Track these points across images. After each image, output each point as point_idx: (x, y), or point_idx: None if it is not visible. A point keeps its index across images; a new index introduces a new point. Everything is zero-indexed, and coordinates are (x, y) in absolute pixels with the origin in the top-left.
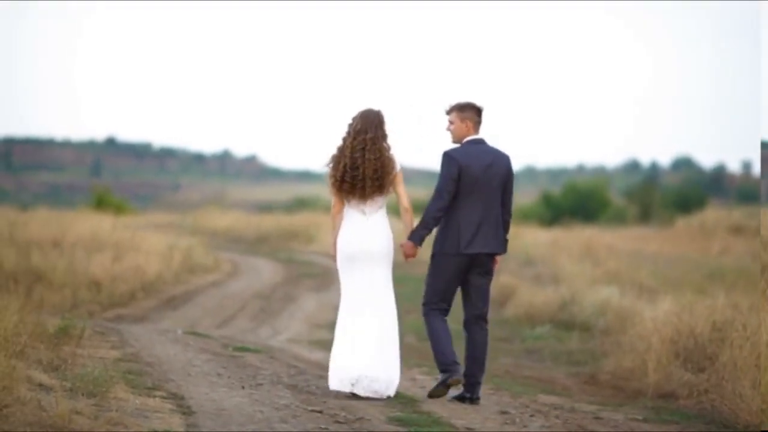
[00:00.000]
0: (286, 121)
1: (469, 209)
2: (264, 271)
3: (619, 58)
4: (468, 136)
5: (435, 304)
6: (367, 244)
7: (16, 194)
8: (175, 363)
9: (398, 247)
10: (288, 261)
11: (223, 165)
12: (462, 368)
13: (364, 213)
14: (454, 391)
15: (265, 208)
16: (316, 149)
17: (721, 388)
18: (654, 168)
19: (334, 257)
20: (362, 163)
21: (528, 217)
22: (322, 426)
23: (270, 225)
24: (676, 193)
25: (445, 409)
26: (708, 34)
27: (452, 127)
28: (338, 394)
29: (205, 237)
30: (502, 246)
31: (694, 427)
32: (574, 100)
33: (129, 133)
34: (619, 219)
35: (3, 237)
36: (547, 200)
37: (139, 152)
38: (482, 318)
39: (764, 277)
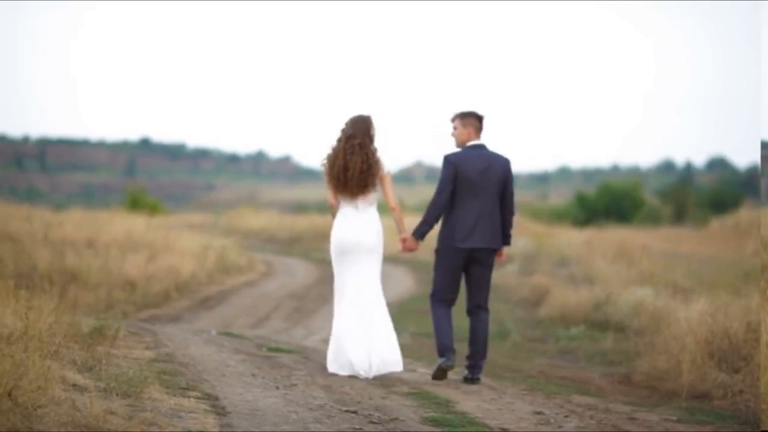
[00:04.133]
0: (320, 122)
1: (466, 208)
2: (298, 272)
3: (656, 58)
4: (469, 141)
5: (440, 294)
6: (358, 236)
7: (51, 194)
8: (210, 363)
9: (396, 241)
10: (322, 261)
11: (257, 165)
12: (454, 357)
13: (357, 208)
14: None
15: (299, 208)
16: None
17: (756, 388)
18: (688, 168)
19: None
20: (352, 164)
21: (562, 217)
22: (357, 426)
23: (304, 225)
24: (711, 193)
25: (479, 409)
26: (746, 34)
27: (455, 132)
28: (372, 395)
29: (239, 237)
30: (500, 241)
31: (729, 427)
32: (609, 99)
33: (163, 133)
34: (654, 219)
35: (38, 237)
36: (582, 200)
37: (173, 153)
38: (482, 307)
39: (764, 277)
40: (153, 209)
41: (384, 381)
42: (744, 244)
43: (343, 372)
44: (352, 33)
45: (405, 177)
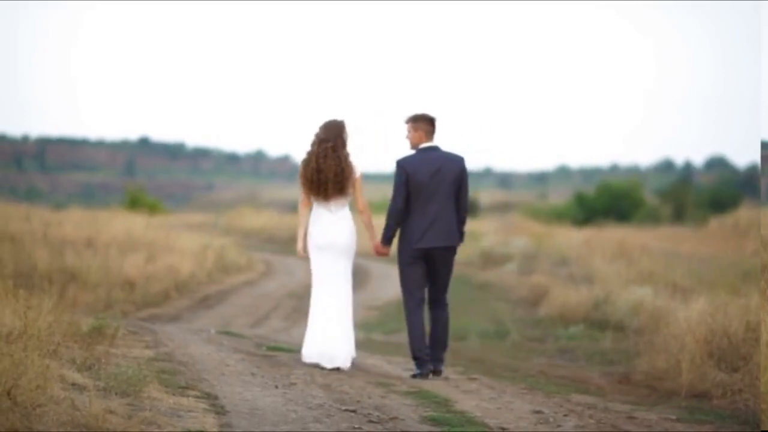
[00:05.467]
0: (319, 121)
1: (421, 209)
2: (297, 271)
3: (656, 58)
4: (421, 144)
5: (410, 294)
6: (333, 237)
7: (50, 194)
8: (209, 362)
9: (369, 244)
10: None
11: (257, 165)
12: (429, 367)
13: (330, 210)
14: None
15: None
16: (348, 149)
17: (755, 388)
18: (688, 167)
19: (300, 250)
20: (325, 168)
21: (561, 216)
22: (356, 426)
23: None
24: (710, 192)
25: (478, 408)
26: (746, 34)
27: (408, 135)
28: (371, 394)
29: (238, 237)
30: (456, 239)
31: (728, 427)
32: (608, 99)
33: (162, 133)
34: (653, 219)
35: (37, 237)
36: (581, 200)
37: (173, 152)
38: (441, 301)
39: (764, 276)
40: (152, 209)
41: (383, 380)
42: (743, 243)
43: (309, 360)
44: (351, 32)
45: None
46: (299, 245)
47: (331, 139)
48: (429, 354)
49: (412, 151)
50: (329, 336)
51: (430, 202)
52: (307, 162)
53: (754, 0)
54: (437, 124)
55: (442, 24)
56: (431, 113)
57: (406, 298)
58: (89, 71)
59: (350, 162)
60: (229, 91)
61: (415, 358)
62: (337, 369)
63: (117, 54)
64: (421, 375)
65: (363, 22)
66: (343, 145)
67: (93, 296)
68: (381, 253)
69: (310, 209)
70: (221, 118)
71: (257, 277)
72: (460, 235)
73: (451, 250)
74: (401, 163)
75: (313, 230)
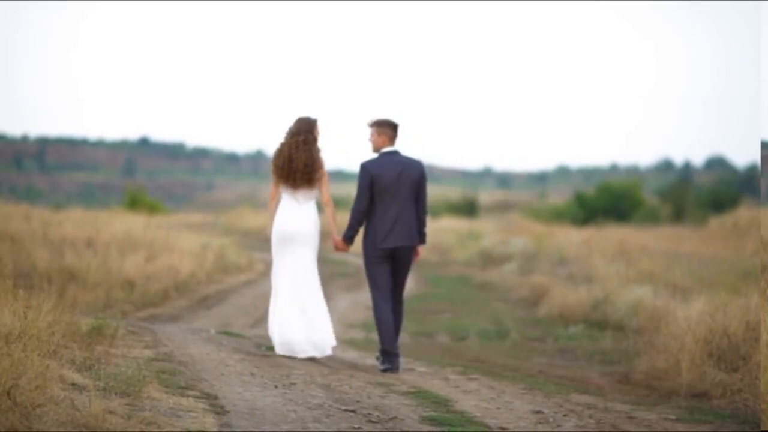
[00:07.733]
0: (319, 121)
1: (384, 211)
2: None
3: (656, 58)
4: (384, 147)
5: (377, 291)
6: (297, 227)
7: (50, 194)
8: (209, 362)
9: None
10: (321, 260)
11: (257, 165)
12: (397, 360)
13: (297, 201)
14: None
15: None
16: (348, 149)
17: (755, 387)
18: (687, 167)
19: (269, 237)
20: (296, 158)
21: (561, 216)
22: (356, 426)
23: None
24: (710, 192)
25: (477, 408)
26: (746, 34)
27: (372, 139)
28: (371, 394)
29: (238, 236)
30: (417, 238)
31: (728, 427)
32: (608, 99)
33: (162, 133)
34: (653, 218)
35: (37, 237)
36: (581, 200)
37: (173, 152)
38: (397, 301)
39: (764, 276)
40: (152, 209)
41: (383, 380)
42: (743, 243)
43: (282, 351)
44: (351, 33)
45: None
46: (267, 231)
47: (302, 134)
48: (398, 349)
49: (375, 155)
50: (305, 329)
51: (392, 203)
52: (279, 151)
53: (754, 0)
54: (399, 130)
55: (443, 24)
56: (394, 119)
57: (374, 295)
58: (89, 71)
59: (319, 157)
60: (229, 91)
61: (385, 352)
62: (313, 359)
63: (117, 54)
64: (391, 370)
65: (363, 23)
66: (314, 140)
67: (93, 296)
68: (341, 249)
69: (278, 200)
70: (221, 118)
71: (257, 276)
72: (421, 236)
73: (412, 250)
74: (366, 166)
75: (277, 220)
